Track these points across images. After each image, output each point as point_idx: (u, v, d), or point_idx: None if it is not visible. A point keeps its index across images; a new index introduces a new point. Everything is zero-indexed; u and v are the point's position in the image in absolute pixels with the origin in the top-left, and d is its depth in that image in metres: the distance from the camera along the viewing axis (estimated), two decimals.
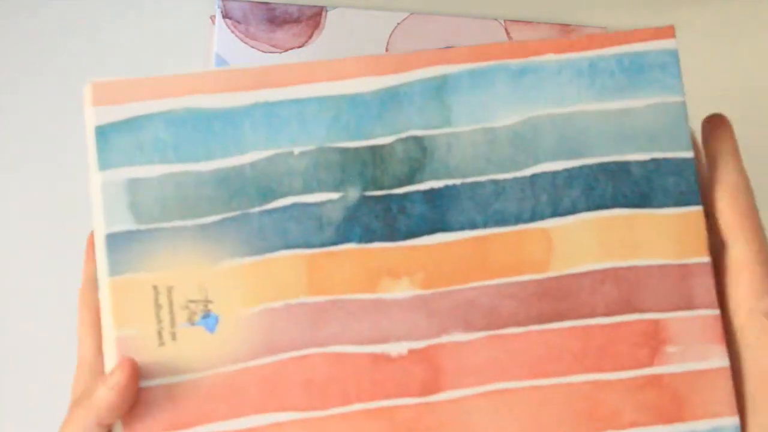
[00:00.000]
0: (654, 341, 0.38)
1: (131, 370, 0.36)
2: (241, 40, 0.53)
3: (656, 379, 0.38)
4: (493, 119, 0.38)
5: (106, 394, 0.35)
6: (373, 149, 0.38)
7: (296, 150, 0.37)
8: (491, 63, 0.38)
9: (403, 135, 0.38)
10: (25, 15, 0.55)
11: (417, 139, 0.38)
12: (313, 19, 0.54)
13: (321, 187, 0.37)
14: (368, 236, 0.38)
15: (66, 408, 0.54)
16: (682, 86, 0.39)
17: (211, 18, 0.54)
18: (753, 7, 0.57)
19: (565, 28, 0.54)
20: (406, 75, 0.38)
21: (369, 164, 0.38)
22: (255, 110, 0.37)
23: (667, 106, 0.38)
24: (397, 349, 0.37)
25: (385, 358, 0.37)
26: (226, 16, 0.53)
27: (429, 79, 0.38)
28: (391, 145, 0.38)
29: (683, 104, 0.38)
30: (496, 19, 0.54)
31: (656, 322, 0.38)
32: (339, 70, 0.38)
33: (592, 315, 0.38)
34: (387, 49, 0.54)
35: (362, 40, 0.54)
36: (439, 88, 0.38)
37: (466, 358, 0.38)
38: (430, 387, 0.37)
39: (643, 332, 0.38)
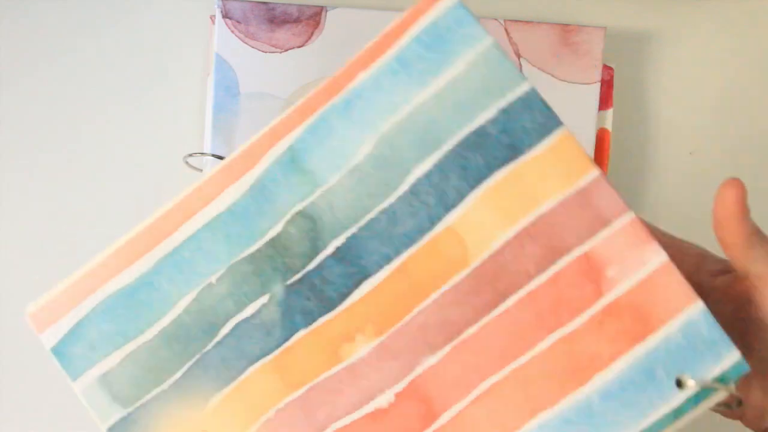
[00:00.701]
0: (593, 273, 0.38)
1: None
2: (241, 40, 0.53)
3: (612, 306, 0.38)
4: (352, 157, 0.39)
5: None
6: (272, 242, 0.39)
7: (213, 279, 0.40)
8: (319, 112, 0.39)
9: (288, 216, 0.39)
10: (26, 15, 0.55)
11: (301, 213, 0.39)
12: (313, 19, 0.54)
13: (249, 298, 0.39)
14: (309, 318, 0.39)
15: (66, 408, 0.54)
16: (482, 30, 0.39)
17: (211, 18, 0.54)
18: (752, 7, 0.57)
19: (566, 28, 0.54)
20: (258, 166, 0.40)
21: (276, 256, 0.40)
22: (162, 265, 0.40)
23: (481, 55, 0.39)
24: (386, 399, 0.39)
25: (381, 412, 0.39)
26: (226, 16, 0.53)
27: (279, 157, 0.39)
28: (284, 230, 0.39)
29: (494, 44, 0.39)
30: (496, 19, 0.54)
31: (585, 254, 0.38)
32: (206, 194, 0.40)
33: (528, 279, 0.39)
34: None
35: (362, 40, 0.54)
36: (292, 159, 0.39)
37: (444, 376, 0.39)
38: (429, 416, 0.38)
39: (579, 270, 0.38)
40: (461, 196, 0.39)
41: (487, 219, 0.39)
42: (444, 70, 0.39)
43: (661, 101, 0.56)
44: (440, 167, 0.39)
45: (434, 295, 0.39)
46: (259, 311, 0.40)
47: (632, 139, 0.56)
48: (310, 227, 0.39)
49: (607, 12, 0.56)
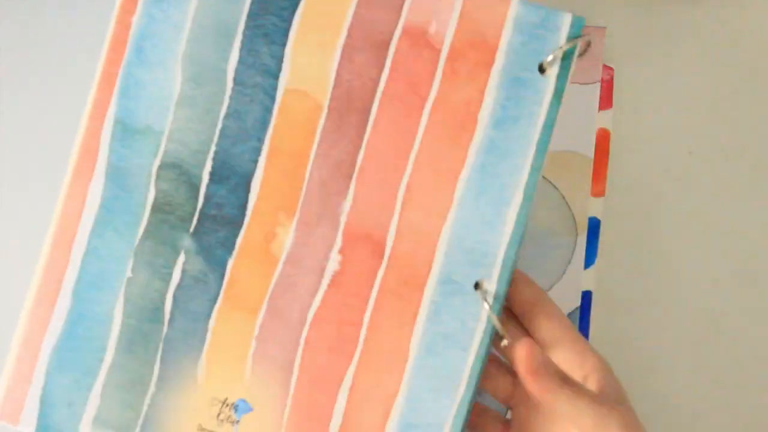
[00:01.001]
0: (419, 39, 0.41)
1: None
2: None
3: (452, 53, 0.40)
4: (171, 92, 0.41)
5: None
6: (155, 208, 0.41)
7: (128, 273, 0.41)
8: (119, 75, 0.41)
9: (153, 176, 0.41)
10: (26, 15, 0.55)
11: (162, 167, 0.41)
12: None
13: (169, 267, 0.41)
14: (229, 245, 0.41)
15: None
16: None
17: None
18: (752, 7, 0.57)
19: None
20: (100, 154, 0.41)
21: (166, 217, 0.41)
22: (78, 294, 0.41)
23: None
24: (334, 262, 0.40)
25: (339, 274, 0.40)
26: None
27: (111, 134, 0.41)
28: (158, 191, 0.41)
29: None
30: None
31: (404, 31, 0.40)
32: (73, 210, 0.41)
33: (375, 83, 0.40)
34: None
35: None
36: (123, 128, 0.41)
37: (365, 208, 0.41)
38: (378, 249, 0.40)
39: (409, 47, 0.40)
40: (279, 57, 0.40)
41: (310, 60, 0.40)
42: None
43: (661, 101, 0.56)
44: (246, 48, 0.40)
45: (312, 152, 0.40)
46: (184, 272, 0.40)
47: (632, 139, 0.56)
48: (177, 173, 0.40)
49: (607, 12, 0.56)
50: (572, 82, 0.54)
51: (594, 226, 0.55)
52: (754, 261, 0.56)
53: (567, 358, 0.41)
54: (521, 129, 0.40)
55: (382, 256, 0.40)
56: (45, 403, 0.40)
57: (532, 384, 0.39)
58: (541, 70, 0.40)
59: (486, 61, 0.40)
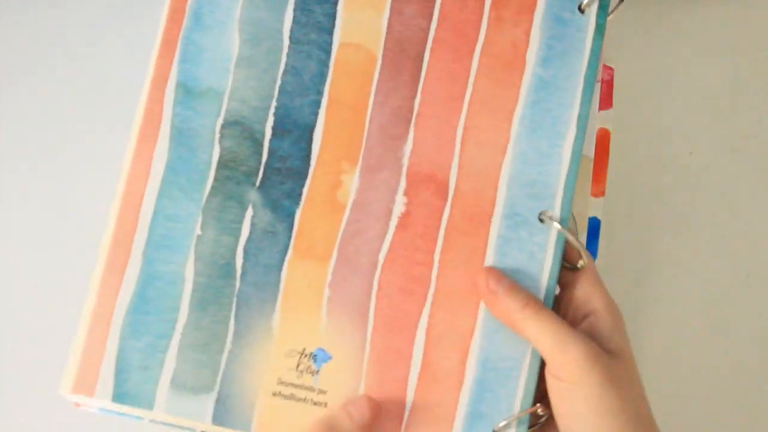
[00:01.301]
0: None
1: (377, 407, 0.39)
2: None
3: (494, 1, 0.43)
4: (230, 54, 0.42)
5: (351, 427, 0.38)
6: (220, 165, 0.41)
7: (198, 230, 0.41)
8: (179, 41, 0.42)
9: (217, 135, 0.41)
10: (26, 15, 0.55)
11: (224, 125, 0.41)
12: None
13: (238, 222, 0.41)
14: (295, 195, 0.41)
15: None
16: None
17: None
18: (752, 7, 0.57)
19: None
20: (163, 118, 0.41)
21: (232, 173, 0.41)
22: (148, 256, 0.41)
23: None
24: (400, 204, 0.42)
25: (406, 216, 0.41)
26: None
27: (174, 98, 0.41)
28: (222, 149, 0.41)
29: None
30: None
31: None
32: (140, 172, 0.41)
33: (425, 32, 0.42)
34: None
35: None
36: (186, 91, 0.41)
37: (425, 150, 0.42)
38: (441, 188, 0.42)
39: None
40: (332, 14, 0.42)
41: (361, 15, 0.42)
42: None
43: (661, 101, 0.56)
44: (300, 8, 0.42)
45: (370, 100, 0.42)
46: (253, 225, 0.41)
47: (632, 139, 0.56)
48: (240, 130, 0.41)
49: None
50: None
51: (594, 226, 0.55)
52: (754, 261, 0.56)
53: (574, 297, 0.41)
54: (568, 65, 0.43)
55: (446, 196, 0.42)
56: (120, 370, 0.40)
57: (493, 306, 0.40)
58: (581, 10, 0.43)
59: (528, 5, 0.42)
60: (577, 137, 0.42)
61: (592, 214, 0.55)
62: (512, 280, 0.40)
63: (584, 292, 0.41)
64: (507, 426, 0.40)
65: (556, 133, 0.42)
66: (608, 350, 0.39)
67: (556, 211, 0.42)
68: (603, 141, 0.55)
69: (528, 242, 0.41)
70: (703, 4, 0.56)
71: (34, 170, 0.55)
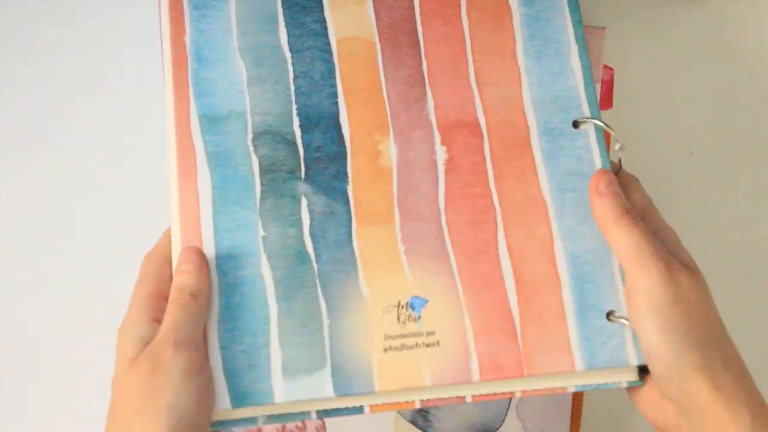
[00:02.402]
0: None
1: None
2: None
3: None
4: (241, 77, 0.45)
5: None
6: (263, 171, 0.44)
7: (261, 233, 0.43)
8: (189, 79, 0.45)
9: (251, 147, 0.44)
10: (26, 15, 0.55)
11: (255, 138, 0.44)
12: None
13: (297, 213, 0.43)
14: (341, 174, 0.44)
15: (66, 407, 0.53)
16: None
17: None
18: (752, 7, 0.57)
19: None
20: (197, 148, 0.44)
21: (277, 175, 0.44)
22: (222, 276, 0.43)
23: None
24: (442, 153, 0.45)
25: (451, 162, 0.45)
26: None
27: (200, 130, 0.44)
28: (260, 158, 0.44)
29: None
30: None
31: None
32: (190, 200, 0.43)
33: None
34: None
35: None
36: (209, 120, 0.44)
37: (447, 99, 0.45)
38: (475, 129, 0.45)
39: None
40: (321, 20, 0.45)
41: (348, 13, 0.46)
42: None
43: (661, 101, 0.56)
44: (291, 24, 0.45)
45: (381, 77, 0.45)
46: (311, 212, 0.43)
47: (632, 139, 0.56)
48: (271, 137, 0.44)
49: (607, 12, 0.56)
50: None
51: None
52: (754, 261, 0.56)
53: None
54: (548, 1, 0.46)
55: (480, 133, 0.45)
56: (230, 375, 0.41)
57: (595, 207, 0.42)
58: None
59: None
60: (581, 52, 0.46)
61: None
62: (619, 188, 0.42)
63: (637, 203, 0.43)
64: (619, 312, 0.42)
65: (561, 54, 0.46)
66: (687, 268, 0.40)
67: (586, 113, 0.45)
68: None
69: (571, 148, 0.44)
70: (704, 5, 0.56)
71: (34, 169, 0.55)
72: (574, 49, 0.46)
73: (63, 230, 0.54)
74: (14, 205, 0.54)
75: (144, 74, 0.54)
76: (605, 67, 0.55)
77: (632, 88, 0.56)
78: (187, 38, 0.45)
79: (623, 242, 0.40)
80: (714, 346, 0.39)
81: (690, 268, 0.40)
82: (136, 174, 0.54)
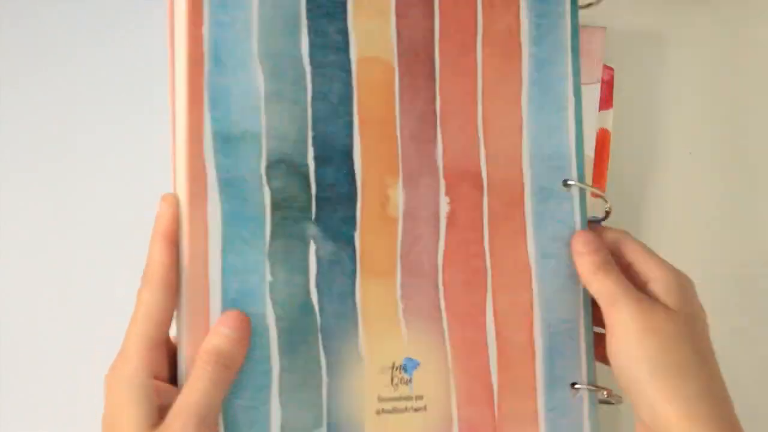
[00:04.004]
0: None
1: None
2: None
3: None
4: (257, 93, 0.40)
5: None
6: (274, 207, 0.40)
7: (268, 277, 0.40)
8: (205, 88, 0.40)
9: (264, 177, 0.40)
10: (26, 15, 0.55)
11: (268, 166, 0.40)
12: None
13: (305, 259, 0.40)
14: (349, 219, 0.41)
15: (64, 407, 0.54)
16: None
17: None
18: (752, 7, 0.57)
19: None
20: (208, 171, 0.39)
21: (287, 213, 0.40)
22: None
23: None
24: (444, 205, 0.43)
25: (452, 215, 0.43)
26: None
27: (213, 148, 0.39)
28: (272, 190, 0.40)
29: None
30: None
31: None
32: (199, 231, 0.39)
33: (431, 33, 0.44)
34: None
35: None
36: (223, 138, 0.40)
37: (455, 146, 0.44)
38: (477, 179, 0.44)
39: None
40: (344, 31, 0.42)
41: (371, 26, 0.42)
42: None
43: (661, 101, 0.56)
44: (313, 30, 0.41)
45: (396, 111, 0.42)
46: (318, 258, 0.41)
47: (632, 139, 0.56)
48: (285, 167, 0.40)
49: (607, 12, 0.56)
50: None
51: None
52: (754, 261, 0.56)
53: (634, 261, 0.44)
54: (555, 40, 0.45)
55: (481, 186, 0.43)
56: (229, 430, 0.38)
57: (577, 264, 0.44)
58: None
59: None
60: (577, 106, 0.45)
61: (592, 214, 0.55)
62: (598, 244, 0.44)
63: (642, 266, 0.44)
64: (581, 383, 0.44)
65: (560, 106, 0.45)
66: (664, 306, 0.42)
67: (574, 174, 0.45)
68: (603, 141, 0.55)
69: (558, 211, 0.45)
70: (704, 5, 0.56)
71: (34, 171, 0.55)
72: (571, 101, 0.45)
73: (63, 230, 0.54)
74: (14, 205, 0.54)
75: (148, 70, 0.55)
76: (605, 67, 0.55)
77: (632, 88, 0.56)
78: (205, 31, 0.39)
79: (601, 293, 0.42)
80: (692, 376, 0.40)
81: (669, 309, 0.42)
82: (136, 174, 0.55)
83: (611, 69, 0.55)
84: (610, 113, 0.55)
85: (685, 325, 0.41)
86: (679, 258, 0.55)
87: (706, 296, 0.56)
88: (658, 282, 0.43)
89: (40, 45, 0.55)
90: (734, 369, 0.55)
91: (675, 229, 0.56)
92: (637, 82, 0.56)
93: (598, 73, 0.54)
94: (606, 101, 0.55)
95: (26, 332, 0.54)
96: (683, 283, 0.43)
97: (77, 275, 0.54)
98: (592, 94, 0.54)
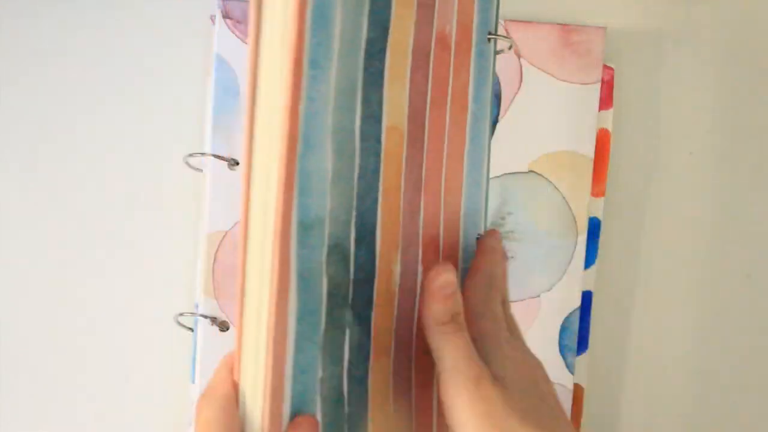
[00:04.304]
0: (446, 46, 0.40)
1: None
2: (242, 40, 0.53)
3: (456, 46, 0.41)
4: (326, 174, 0.36)
5: None
6: (328, 298, 0.36)
7: (320, 374, 0.36)
8: (296, 182, 0.34)
9: (324, 276, 0.36)
10: (26, 15, 0.55)
11: (328, 254, 0.36)
12: None
13: (341, 354, 0.37)
14: (369, 300, 0.38)
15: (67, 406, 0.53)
16: None
17: (211, 18, 0.54)
18: (752, 7, 0.57)
19: (566, 28, 0.54)
20: (291, 300, 0.35)
21: (333, 304, 0.36)
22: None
23: None
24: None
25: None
26: (226, 15, 0.53)
27: (297, 255, 0.35)
28: (328, 281, 0.36)
29: None
30: None
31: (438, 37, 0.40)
32: (282, 328, 0.35)
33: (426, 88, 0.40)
34: None
35: None
36: (304, 228, 0.35)
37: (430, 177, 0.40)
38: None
39: (440, 48, 0.40)
40: (380, 100, 0.37)
41: (393, 92, 0.37)
42: None
43: (661, 101, 0.56)
44: (365, 100, 0.36)
45: (402, 180, 0.38)
46: (350, 347, 0.37)
47: (632, 139, 0.56)
48: (338, 252, 0.36)
49: (607, 12, 0.56)
50: (572, 83, 0.54)
51: (594, 226, 0.55)
52: (755, 261, 0.56)
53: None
54: (484, 96, 0.42)
55: (438, 253, 0.40)
56: None
57: (423, 306, 0.38)
58: (488, 39, 0.43)
59: (467, 44, 0.41)
60: (488, 162, 0.43)
61: (592, 214, 0.55)
62: (454, 291, 0.38)
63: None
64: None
65: (480, 162, 0.42)
66: (495, 378, 0.37)
67: (482, 231, 0.43)
68: (603, 141, 0.55)
69: None
70: (704, 5, 0.56)
71: (34, 171, 0.55)
72: (486, 155, 0.42)
73: (63, 230, 0.54)
74: (14, 206, 0.54)
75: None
76: (605, 67, 0.55)
77: (632, 88, 0.56)
78: (302, 108, 0.32)
79: (441, 351, 0.37)
80: None
81: (502, 379, 0.37)
82: (136, 174, 0.55)
83: (611, 69, 0.55)
84: (610, 113, 0.55)
85: (516, 400, 0.37)
86: (679, 258, 0.55)
87: (706, 296, 0.56)
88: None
89: (40, 45, 0.55)
90: (734, 369, 0.55)
91: (674, 230, 0.56)
92: (637, 82, 0.56)
93: (598, 73, 0.54)
94: (606, 101, 0.55)
95: (26, 332, 0.54)
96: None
97: (77, 275, 0.54)
98: (592, 94, 0.54)
